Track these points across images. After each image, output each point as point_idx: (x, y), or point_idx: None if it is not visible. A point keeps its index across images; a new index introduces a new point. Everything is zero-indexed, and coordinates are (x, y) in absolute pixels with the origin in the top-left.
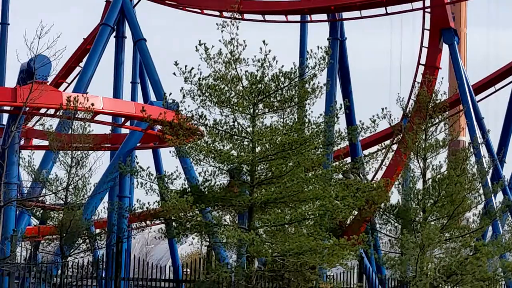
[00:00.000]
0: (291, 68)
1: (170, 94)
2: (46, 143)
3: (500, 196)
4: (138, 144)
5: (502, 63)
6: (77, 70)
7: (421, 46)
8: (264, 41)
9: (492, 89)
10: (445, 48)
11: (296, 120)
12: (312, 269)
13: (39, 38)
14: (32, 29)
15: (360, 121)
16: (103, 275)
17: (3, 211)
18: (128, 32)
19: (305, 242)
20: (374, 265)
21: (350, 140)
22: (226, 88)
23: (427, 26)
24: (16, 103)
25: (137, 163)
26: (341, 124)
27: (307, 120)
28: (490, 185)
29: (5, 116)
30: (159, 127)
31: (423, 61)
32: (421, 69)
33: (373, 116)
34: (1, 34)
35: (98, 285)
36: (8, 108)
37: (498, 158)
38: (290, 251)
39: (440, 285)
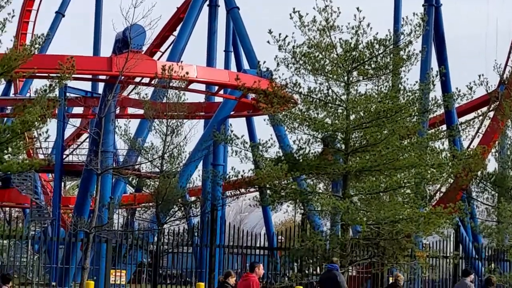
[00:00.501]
0: (386, 35)
1: (264, 62)
2: (141, 111)
3: None
4: (232, 113)
5: None
6: (171, 39)
7: None
8: (358, 8)
9: None
10: None
11: (391, 87)
12: (407, 237)
13: (135, 7)
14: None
15: (457, 88)
16: (198, 243)
17: (100, 179)
18: (221, 1)
19: (400, 210)
20: (470, 234)
21: (446, 107)
22: (321, 56)
23: None
24: (112, 72)
25: (231, 131)
26: (436, 92)
27: (402, 88)
28: None
29: (101, 85)
30: (252, 95)
31: None
32: None
33: (470, 83)
34: (97, 4)
35: (193, 252)
36: (104, 77)
37: None
38: (385, 219)
39: None
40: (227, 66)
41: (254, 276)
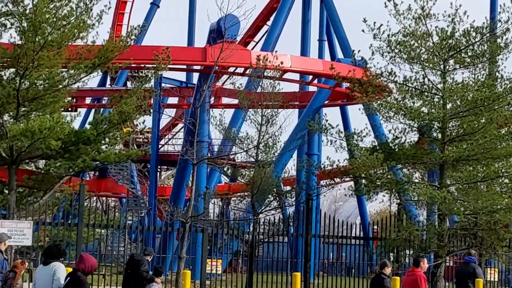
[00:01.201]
0: (483, 23)
1: (359, 51)
2: (236, 101)
3: None
4: (326, 102)
5: None
6: (265, 28)
7: None
8: None
9: None
10: None
11: (488, 75)
12: (505, 228)
13: None
14: None
15: None
16: (294, 232)
17: (195, 169)
18: None
19: (498, 200)
20: None
21: None
22: (416, 44)
23: None
24: (207, 63)
25: (326, 120)
26: None
27: (499, 76)
28: None
29: (196, 75)
30: (347, 84)
31: None
32: None
33: None
34: None
35: (289, 242)
36: (198, 67)
37: None
38: (483, 209)
39: None
40: (321, 55)
41: (419, 270)
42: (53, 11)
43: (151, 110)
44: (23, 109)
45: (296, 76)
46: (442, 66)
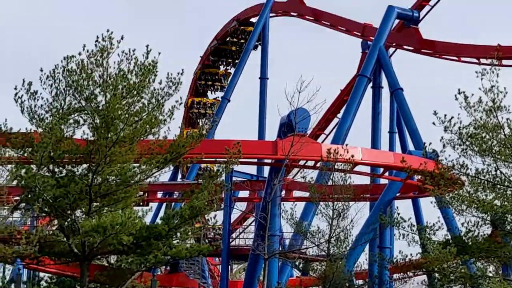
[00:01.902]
0: None
1: (430, 143)
2: (307, 194)
3: None
4: (398, 194)
5: None
6: (335, 121)
7: None
8: None
9: None
10: None
11: None
12: None
13: (299, 92)
14: (291, 83)
15: None
16: None
17: (267, 263)
18: (384, 82)
19: None
20: None
21: None
22: (488, 137)
23: None
24: (277, 156)
25: (398, 213)
26: None
27: None
28: None
29: (266, 168)
30: (418, 177)
31: None
32: None
33: None
34: (261, 89)
35: None
36: (269, 161)
37: None
38: None
39: None
40: (391, 147)
41: None
42: (125, 107)
43: (222, 205)
44: (95, 204)
45: (367, 169)
46: None
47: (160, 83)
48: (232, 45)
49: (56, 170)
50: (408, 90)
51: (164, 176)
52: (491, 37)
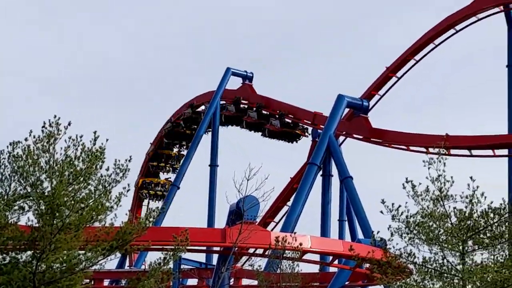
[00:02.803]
0: (500, 204)
1: (378, 232)
2: (255, 282)
3: None
4: (347, 283)
5: None
6: (285, 209)
7: None
8: (471, 177)
9: None
10: None
11: (508, 257)
12: None
13: (248, 180)
14: (239, 171)
15: None
16: None
17: None
18: (334, 170)
19: None
20: None
21: None
22: (435, 226)
23: None
24: (226, 244)
25: None
26: None
27: None
28: None
29: (215, 256)
30: (367, 265)
31: None
32: None
33: None
34: (211, 176)
35: None
36: (217, 248)
37: None
38: None
39: None
40: (341, 235)
41: None
42: (71, 194)
43: None
44: None
45: (317, 257)
46: (461, 247)
47: (108, 169)
48: (186, 129)
49: (0, 257)
50: (357, 178)
51: (111, 263)
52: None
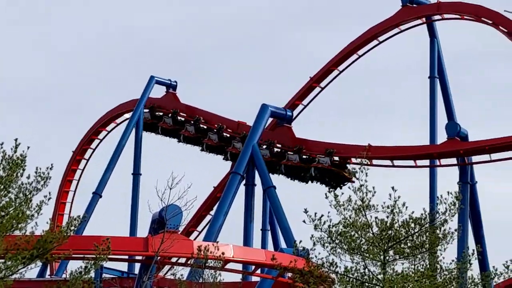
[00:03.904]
0: (421, 214)
1: (300, 241)
2: None
3: None
4: None
5: None
6: (208, 218)
7: None
8: (393, 187)
9: None
10: None
11: (428, 266)
12: None
13: (170, 189)
14: (162, 179)
15: (494, 266)
16: None
17: None
18: (257, 180)
19: None
20: None
21: (484, 286)
22: (356, 235)
23: None
24: (148, 253)
25: None
26: (473, 270)
27: (438, 267)
28: None
29: (137, 265)
30: (290, 274)
31: None
32: None
33: (507, 261)
34: (133, 184)
35: None
36: (140, 257)
37: None
38: None
39: None
40: (264, 245)
41: None
42: None
43: None
44: None
45: (239, 266)
46: (382, 257)
47: (29, 177)
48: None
49: None
50: (280, 188)
51: (32, 272)
52: (364, 137)
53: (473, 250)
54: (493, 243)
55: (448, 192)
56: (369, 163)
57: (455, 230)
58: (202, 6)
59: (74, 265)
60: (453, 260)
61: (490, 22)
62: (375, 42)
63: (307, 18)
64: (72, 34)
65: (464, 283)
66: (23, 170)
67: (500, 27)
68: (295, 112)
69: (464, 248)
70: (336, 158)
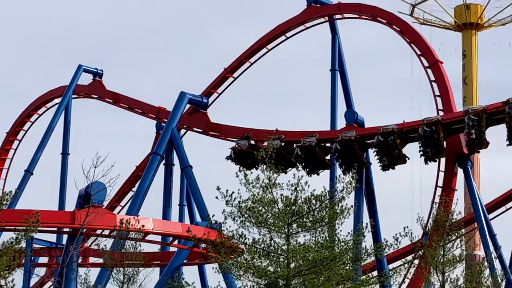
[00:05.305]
0: (322, 192)
1: (213, 215)
2: (101, 261)
3: None
4: (185, 261)
5: None
6: (130, 194)
7: (439, 170)
8: (297, 167)
9: (503, 208)
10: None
11: (327, 238)
12: None
13: (95, 167)
14: (88, 159)
15: (385, 238)
16: None
17: None
18: (176, 160)
19: None
20: None
21: (376, 256)
22: (263, 210)
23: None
24: (74, 225)
25: (183, 278)
26: (367, 242)
27: (336, 239)
28: None
29: (65, 237)
30: (203, 245)
31: (440, 183)
32: (439, 191)
33: (396, 234)
34: (62, 163)
35: None
36: (67, 229)
37: (510, 271)
38: None
39: None
40: (181, 218)
41: None
42: None
43: (22, 269)
44: None
45: (158, 238)
46: (286, 230)
47: None
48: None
49: None
50: (197, 167)
51: None
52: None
53: (367, 224)
54: (385, 218)
55: (344, 172)
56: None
57: (352, 206)
58: None
59: (6, 237)
60: (349, 233)
61: (385, 21)
62: (283, 37)
63: (224, 13)
64: (2, 23)
65: (359, 253)
66: None
67: (394, 26)
68: (210, 100)
69: (359, 222)
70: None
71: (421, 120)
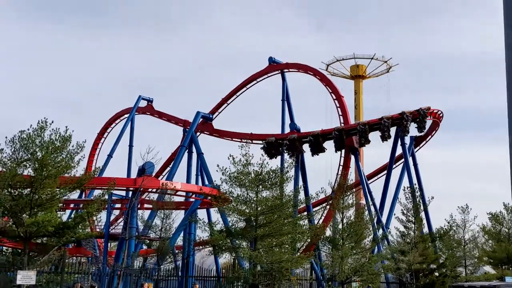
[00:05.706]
0: (276, 167)
1: (215, 181)
2: (151, 206)
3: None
4: (198, 207)
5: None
6: (168, 169)
7: (341, 156)
8: (262, 154)
9: (376, 177)
10: (353, 157)
11: (279, 194)
12: (286, 270)
13: (147, 153)
14: (144, 149)
15: (311, 194)
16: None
17: (127, 242)
18: (193, 149)
19: (283, 255)
20: (318, 268)
21: (306, 203)
22: (243, 178)
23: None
24: (136, 186)
25: (197, 216)
26: (301, 195)
27: (284, 194)
28: (375, 225)
29: (130, 193)
30: (209, 197)
31: (342, 163)
32: (341, 168)
33: (317, 191)
34: (129, 151)
35: (178, 280)
36: (131, 188)
37: (379, 212)
38: (275, 261)
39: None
40: (197, 182)
41: None
42: (52, 159)
43: (105, 211)
44: (34, 210)
45: (183, 193)
46: (256, 189)
47: (73, 146)
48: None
49: (12, 191)
50: (207, 154)
51: (74, 194)
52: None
53: (301, 186)
54: (312, 183)
55: (290, 156)
56: (251, 142)
57: (292, 176)
58: None
59: (97, 192)
60: (291, 190)
61: (312, 73)
62: (254, 82)
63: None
64: (98, 68)
65: (297, 202)
66: (70, 142)
67: (316, 76)
68: (214, 115)
69: (297, 185)
70: None
71: (332, 128)
